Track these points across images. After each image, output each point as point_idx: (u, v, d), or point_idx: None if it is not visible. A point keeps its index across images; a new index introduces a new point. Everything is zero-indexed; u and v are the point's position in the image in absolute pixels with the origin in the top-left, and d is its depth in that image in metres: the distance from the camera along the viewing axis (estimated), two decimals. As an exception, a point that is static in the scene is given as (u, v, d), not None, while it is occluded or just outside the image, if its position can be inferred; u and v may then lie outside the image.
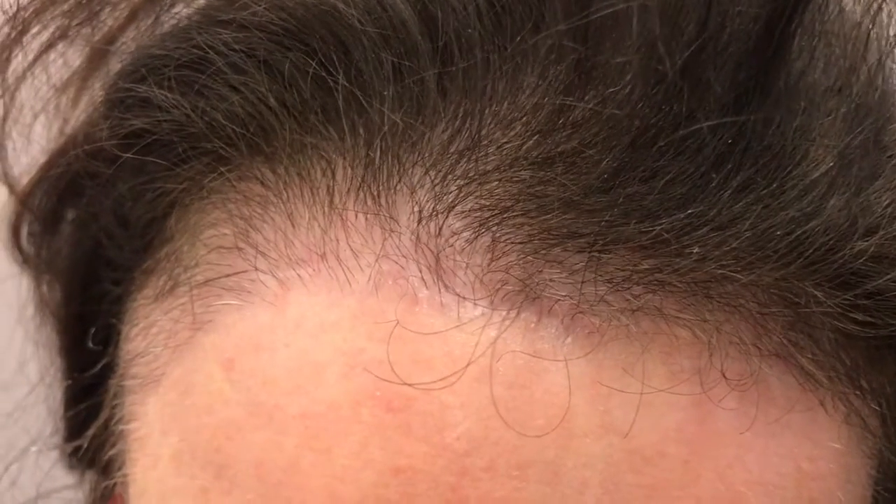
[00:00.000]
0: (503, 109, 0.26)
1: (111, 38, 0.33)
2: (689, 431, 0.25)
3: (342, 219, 0.27)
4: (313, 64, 0.27)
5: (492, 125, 0.26)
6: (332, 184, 0.27)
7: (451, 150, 0.26)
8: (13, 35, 0.32)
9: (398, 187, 0.26)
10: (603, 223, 0.25)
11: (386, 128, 0.26)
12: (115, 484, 0.32)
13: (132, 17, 0.32)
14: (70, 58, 0.33)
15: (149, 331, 0.30)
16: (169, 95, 0.28)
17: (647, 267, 0.25)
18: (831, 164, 0.26)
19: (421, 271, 0.26)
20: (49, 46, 0.32)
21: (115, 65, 0.32)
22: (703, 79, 0.25)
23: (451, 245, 0.26)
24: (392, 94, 0.26)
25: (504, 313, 0.25)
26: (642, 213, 0.25)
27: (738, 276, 0.25)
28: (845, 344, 0.27)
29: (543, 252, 0.25)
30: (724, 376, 0.26)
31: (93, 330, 0.35)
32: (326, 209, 0.27)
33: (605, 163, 0.25)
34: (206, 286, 0.28)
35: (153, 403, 0.29)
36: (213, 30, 0.28)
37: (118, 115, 0.30)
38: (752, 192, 0.25)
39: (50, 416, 0.39)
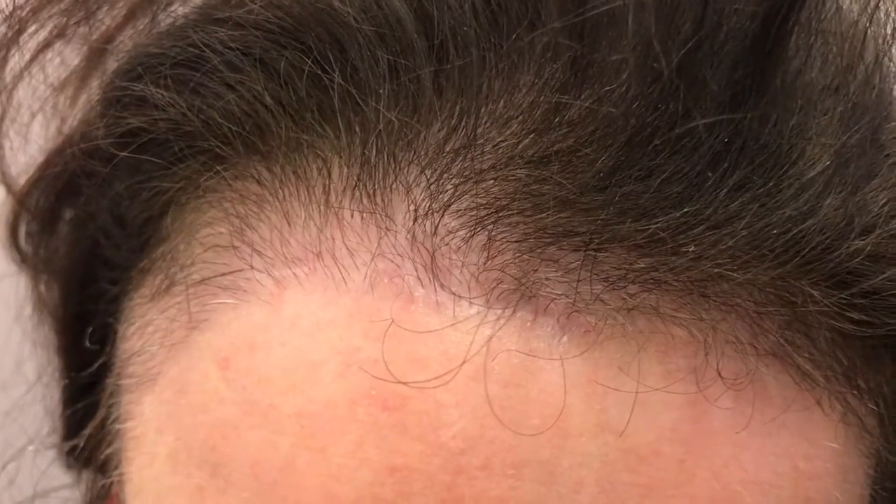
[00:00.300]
0: (499, 108, 0.26)
1: (109, 37, 0.33)
2: (685, 430, 0.25)
3: (338, 217, 0.27)
4: (309, 62, 0.27)
5: (488, 123, 0.26)
6: (327, 182, 0.27)
7: (447, 149, 0.26)
8: (10, 34, 0.32)
9: (394, 186, 0.26)
10: (599, 222, 0.25)
11: (382, 126, 0.26)
12: (111, 483, 0.32)
13: (130, 15, 0.32)
14: (67, 57, 0.33)
15: (145, 330, 0.30)
16: (165, 94, 0.28)
17: (642, 266, 0.25)
18: (828, 162, 0.26)
19: (416, 270, 0.26)
20: (46, 45, 0.32)
21: (112, 63, 0.32)
22: (700, 77, 0.25)
23: (447, 244, 0.26)
24: (388, 93, 0.26)
25: (499, 312, 0.25)
26: (638, 211, 0.25)
27: (735, 274, 0.25)
28: (842, 343, 0.27)
29: (539, 251, 0.25)
30: (720, 375, 0.26)
31: (90, 329, 0.35)
32: (322, 208, 0.27)
33: (600, 161, 0.25)
34: (202, 285, 0.28)
35: (149, 402, 0.29)
36: (210, 28, 0.28)
37: (114, 114, 0.30)
38: (749, 190, 0.25)
39: (47, 415, 0.39)
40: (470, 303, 0.25)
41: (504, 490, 0.25)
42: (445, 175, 0.26)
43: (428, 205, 0.26)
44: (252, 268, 0.27)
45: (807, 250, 0.25)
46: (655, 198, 0.25)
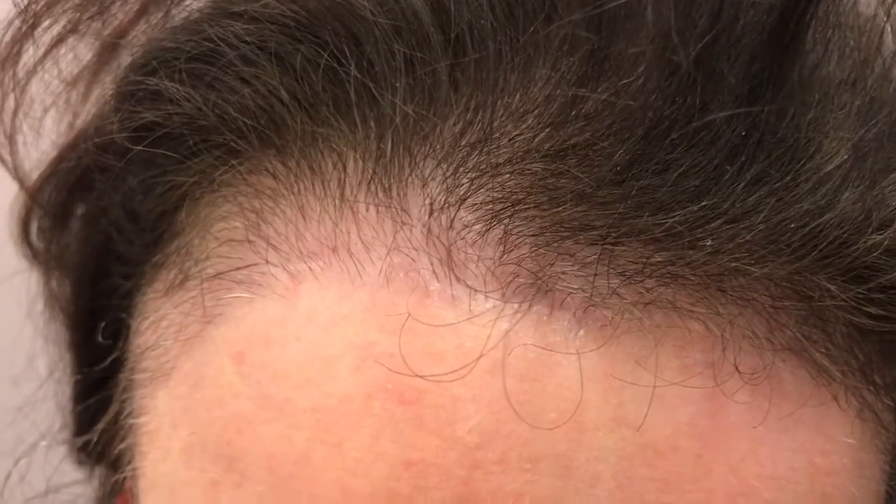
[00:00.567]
0: (515, 101, 0.26)
1: (122, 32, 0.32)
2: (702, 425, 0.25)
3: (353, 211, 0.27)
4: (325, 56, 0.27)
5: (504, 117, 0.26)
6: (343, 176, 0.27)
7: (463, 143, 0.26)
8: (24, 29, 0.32)
9: (409, 180, 0.26)
10: (615, 216, 0.25)
11: (397, 120, 0.26)
12: (124, 478, 0.32)
13: (143, 10, 0.32)
14: (81, 52, 0.33)
15: (159, 324, 0.30)
16: (180, 88, 0.28)
17: (659, 260, 0.25)
18: (845, 156, 0.26)
19: (432, 264, 0.26)
20: (60, 40, 0.32)
21: (125, 58, 0.32)
22: (717, 70, 0.25)
23: (463, 238, 0.26)
24: (404, 86, 0.26)
25: (516, 306, 0.25)
26: (655, 205, 0.25)
27: (752, 269, 0.25)
28: (859, 338, 0.27)
29: (555, 245, 0.25)
30: (737, 370, 0.26)
31: (102, 324, 0.35)
32: (338, 202, 0.27)
33: (617, 155, 0.25)
34: (216, 279, 0.28)
35: (163, 397, 0.29)
36: (225, 22, 0.28)
37: (129, 108, 0.30)
38: (766, 184, 0.25)
39: (59, 411, 0.39)
40: (486, 297, 0.25)
41: (520, 484, 0.25)
42: (461, 169, 0.26)
43: (444, 199, 0.26)
44: (267, 262, 0.27)
45: (824, 245, 0.25)
46: (673, 191, 0.25)
